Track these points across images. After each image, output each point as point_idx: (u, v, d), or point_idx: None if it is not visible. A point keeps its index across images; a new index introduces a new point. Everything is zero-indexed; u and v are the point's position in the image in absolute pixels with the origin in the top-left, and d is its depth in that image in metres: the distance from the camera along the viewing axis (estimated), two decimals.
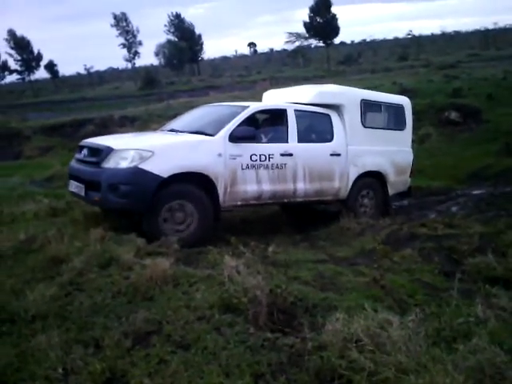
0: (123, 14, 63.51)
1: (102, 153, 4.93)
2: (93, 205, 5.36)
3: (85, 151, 5.30)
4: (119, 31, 63.42)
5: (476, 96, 16.69)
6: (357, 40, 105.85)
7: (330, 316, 2.72)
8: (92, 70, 73.73)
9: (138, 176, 4.69)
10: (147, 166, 4.70)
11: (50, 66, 66.14)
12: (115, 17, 62.99)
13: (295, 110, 6.08)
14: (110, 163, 4.81)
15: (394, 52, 66.05)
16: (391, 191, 7.18)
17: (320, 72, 45.59)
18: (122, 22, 63.42)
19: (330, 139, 6.39)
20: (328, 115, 6.45)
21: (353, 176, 6.51)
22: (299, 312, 3.00)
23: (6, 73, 64.13)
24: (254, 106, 5.90)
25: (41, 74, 70.35)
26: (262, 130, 6.08)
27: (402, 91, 17.95)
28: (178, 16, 69.05)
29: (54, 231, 4.70)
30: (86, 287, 3.37)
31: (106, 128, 16.39)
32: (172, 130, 5.95)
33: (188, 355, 2.46)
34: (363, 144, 6.64)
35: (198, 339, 2.59)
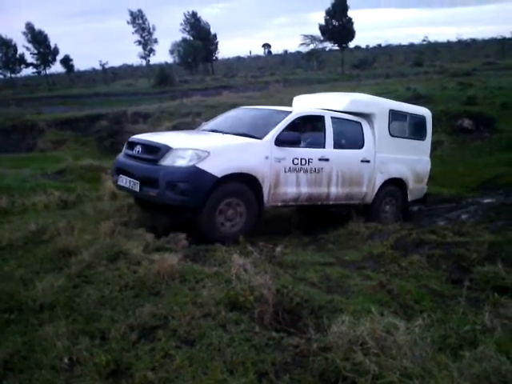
0: (140, 11, 63.96)
1: (159, 151, 5.05)
2: (147, 200, 5.39)
3: (138, 148, 5.39)
4: (135, 28, 63.85)
5: (490, 105, 16.55)
6: (372, 45, 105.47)
7: (335, 318, 2.72)
8: (107, 66, 74.22)
9: (195, 175, 4.83)
10: (204, 166, 4.86)
11: (66, 61, 66.72)
12: (132, 14, 63.46)
13: (332, 117, 6.30)
14: (168, 161, 4.94)
15: (408, 58, 65.62)
16: (410, 198, 7.45)
17: (333, 75, 45.48)
18: (138, 20, 63.85)
19: (361, 146, 6.61)
20: (359, 123, 6.68)
21: (379, 182, 6.77)
22: (305, 313, 3.00)
23: (22, 66, 64.80)
24: (297, 112, 6.09)
25: (56, 68, 71.12)
26: (301, 135, 6.18)
27: (415, 97, 17.90)
28: (194, 15, 69.37)
29: (63, 223, 4.74)
30: (94, 280, 3.40)
31: (118, 124, 16.49)
32: (213, 131, 6.11)
33: (193, 351, 2.47)
34: (389, 152, 6.87)
35: (203, 335, 2.60)
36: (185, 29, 68.92)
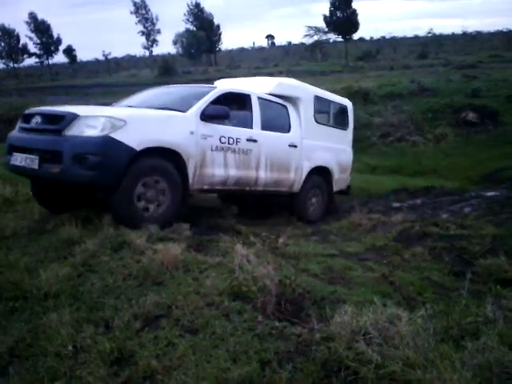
0: (143, 1, 63.63)
1: (63, 119, 4.32)
2: (48, 179, 4.61)
3: (37, 119, 4.59)
4: (138, 19, 63.61)
5: (495, 97, 16.46)
6: (376, 36, 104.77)
7: (338, 309, 2.72)
8: (110, 57, 73.99)
9: (109, 146, 4.17)
10: (119, 136, 4.20)
11: (69, 51, 66.55)
12: (135, 4, 63.16)
13: (258, 98, 6.04)
14: (75, 131, 4.23)
15: (413, 50, 65.18)
16: (334, 188, 7.39)
17: (337, 67, 45.24)
18: (141, 10, 63.57)
19: (288, 130, 6.44)
20: (285, 106, 6.53)
21: (306, 170, 6.60)
22: (307, 303, 3.01)
23: (25, 56, 64.67)
24: (222, 88, 5.79)
25: (59, 58, 70.91)
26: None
27: (420, 89, 17.81)
28: (197, 5, 68.95)
29: (67, 213, 4.77)
30: (98, 269, 3.41)
31: None
32: (129, 107, 5.46)
33: (196, 339, 2.48)
34: (315, 139, 6.77)
35: (206, 324, 2.61)
36: (188, 19, 68.58)
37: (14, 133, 4.94)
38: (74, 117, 4.29)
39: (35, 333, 2.57)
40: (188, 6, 69.00)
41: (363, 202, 7.96)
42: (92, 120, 4.28)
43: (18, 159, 4.56)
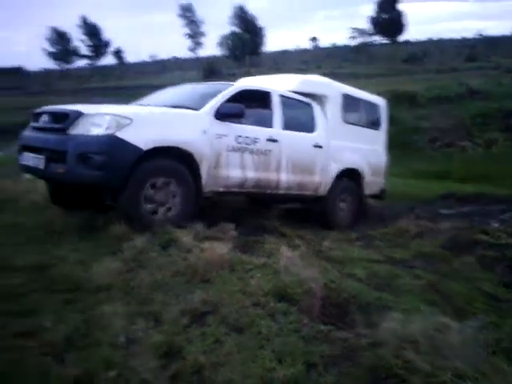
0: (190, 4, 64.95)
1: (68, 117, 4.24)
2: (54, 180, 4.62)
3: (45, 117, 4.56)
4: (185, 21, 64.94)
5: None
6: (423, 38, 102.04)
7: (384, 315, 2.70)
8: (156, 59, 75.88)
9: (115, 145, 4.06)
10: (125, 135, 4.07)
11: (118, 53, 68.71)
12: (182, 7, 64.54)
13: (279, 95, 5.74)
14: (79, 129, 4.14)
15: (460, 52, 63.12)
16: (366, 192, 6.99)
17: (382, 70, 44.45)
18: (188, 13, 64.87)
19: (312, 130, 6.10)
20: (310, 105, 6.20)
21: (333, 172, 6.24)
22: (352, 308, 3.00)
23: (76, 58, 67.32)
24: (239, 84, 5.64)
25: (108, 60, 73.38)
26: (246, 112, 5.33)
27: (469, 93, 17.26)
28: (241, 8, 69.59)
29: (115, 211, 4.90)
30: (147, 265, 3.50)
31: None
32: (141, 105, 5.36)
33: (242, 338, 2.52)
34: (342, 139, 6.40)
35: (252, 324, 2.64)
36: (233, 22, 69.29)
37: (26, 132, 4.91)
38: (79, 115, 4.22)
39: (89, 323, 2.67)
40: (233, 8, 69.84)
41: (410, 208, 7.77)
42: (97, 118, 4.20)
43: (27, 159, 4.56)
